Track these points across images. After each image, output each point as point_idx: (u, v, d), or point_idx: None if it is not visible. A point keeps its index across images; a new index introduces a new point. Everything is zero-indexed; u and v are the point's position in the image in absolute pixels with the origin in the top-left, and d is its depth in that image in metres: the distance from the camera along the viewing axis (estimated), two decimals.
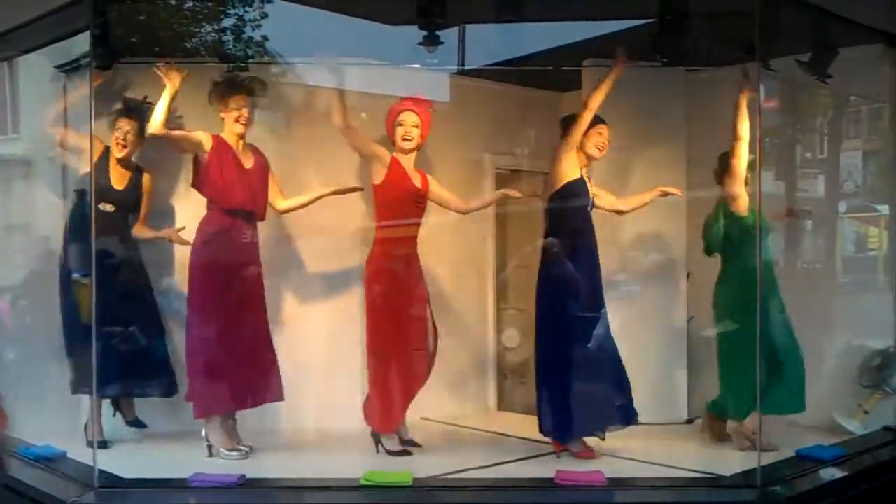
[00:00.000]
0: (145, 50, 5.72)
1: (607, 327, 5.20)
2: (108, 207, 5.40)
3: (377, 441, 5.26)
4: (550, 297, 5.17)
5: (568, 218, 5.16)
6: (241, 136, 5.21)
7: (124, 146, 5.44)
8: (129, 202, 5.51)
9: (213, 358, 5.12)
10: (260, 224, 5.30)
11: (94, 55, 5.07)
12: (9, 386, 5.94)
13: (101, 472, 4.56)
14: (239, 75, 5.26)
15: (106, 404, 5.43)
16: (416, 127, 5.30)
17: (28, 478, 4.88)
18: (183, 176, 5.64)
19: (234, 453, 5.08)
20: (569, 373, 5.11)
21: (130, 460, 4.99)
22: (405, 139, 5.29)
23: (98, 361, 4.90)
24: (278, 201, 5.36)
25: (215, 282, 5.15)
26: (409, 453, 5.24)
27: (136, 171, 5.54)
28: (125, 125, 5.43)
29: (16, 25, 5.66)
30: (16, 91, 6.57)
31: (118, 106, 5.48)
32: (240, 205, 5.18)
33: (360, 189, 5.43)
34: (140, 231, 5.54)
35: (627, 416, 5.21)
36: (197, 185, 5.22)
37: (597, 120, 5.18)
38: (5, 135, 6.71)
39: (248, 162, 5.24)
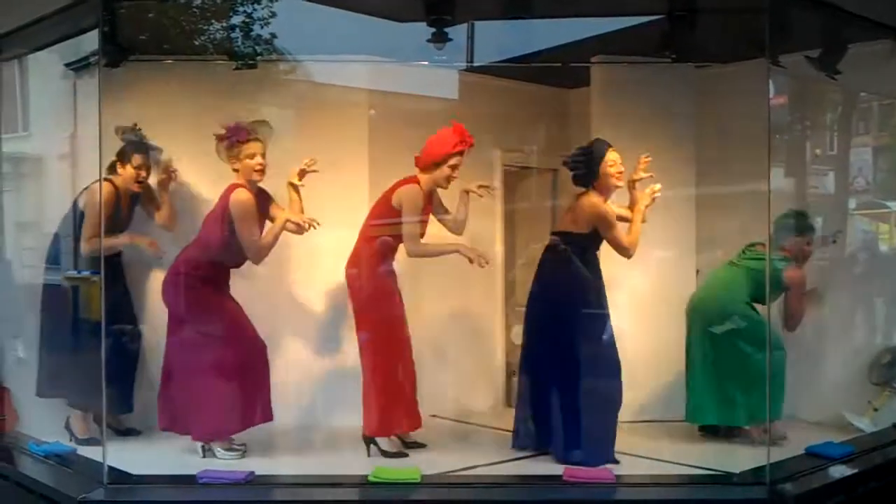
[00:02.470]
0: (154, 48, 5.74)
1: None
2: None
3: (371, 444, 5.16)
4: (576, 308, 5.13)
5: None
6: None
7: (142, 181, 5.47)
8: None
9: (220, 382, 5.06)
10: None
11: (103, 53, 5.08)
12: (19, 384, 5.97)
13: (110, 468, 4.56)
14: (246, 127, 5.08)
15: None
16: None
17: (38, 474, 4.90)
18: None
19: (231, 453, 5.06)
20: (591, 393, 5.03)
21: (140, 457, 5.00)
22: (449, 181, 5.18)
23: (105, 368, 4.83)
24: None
25: (213, 308, 5.13)
26: (405, 454, 5.15)
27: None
28: (139, 160, 5.43)
29: (26, 23, 5.68)
30: (26, 89, 6.58)
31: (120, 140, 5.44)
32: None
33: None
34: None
35: None
36: (228, 243, 5.06)
37: (605, 150, 5.16)
38: (15, 132, 6.72)
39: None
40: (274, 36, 5.68)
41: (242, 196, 5.01)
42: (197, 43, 5.88)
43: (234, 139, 5.03)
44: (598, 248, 5.20)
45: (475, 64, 6.02)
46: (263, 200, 5.15)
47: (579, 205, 5.17)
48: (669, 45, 5.43)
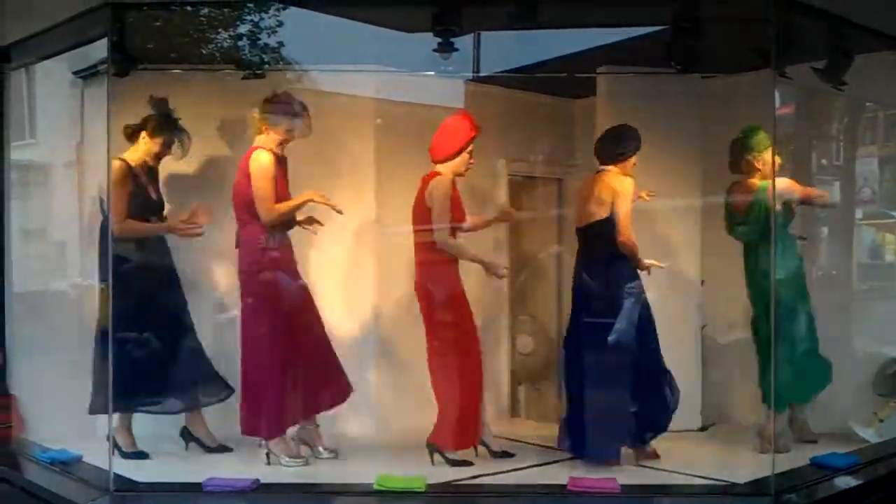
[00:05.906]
0: (162, 56, 5.76)
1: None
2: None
3: (435, 453, 5.16)
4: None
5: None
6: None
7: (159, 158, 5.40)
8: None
9: (279, 377, 5.11)
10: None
11: (111, 61, 5.10)
12: (26, 390, 5.98)
13: (116, 475, 4.59)
14: (295, 99, 5.24)
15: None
16: None
17: (44, 481, 4.92)
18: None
19: (297, 461, 5.09)
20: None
21: (145, 464, 5.01)
22: (468, 168, 5.27)
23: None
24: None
25: (275, 298, 5.15)
26: (470, 463, 5.14)
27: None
28: (165, 136, 5.34)
29: (35, 32, 5.72)
30: (33, 97, 6.61)
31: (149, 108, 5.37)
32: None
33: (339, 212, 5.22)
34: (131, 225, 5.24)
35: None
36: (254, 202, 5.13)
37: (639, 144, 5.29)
38: (23, 140, 6.75)
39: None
40: (281, 45, 5.70)
41: (263, 156, 5.10)
42: (205, 52, 5.90)
43: (284, 108, 5.17)
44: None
45: (481, 74, 6.04)
46: (284, 168, 5.23)
47: (602, 179, 5.25)
48: (675, 55, 5.42)
